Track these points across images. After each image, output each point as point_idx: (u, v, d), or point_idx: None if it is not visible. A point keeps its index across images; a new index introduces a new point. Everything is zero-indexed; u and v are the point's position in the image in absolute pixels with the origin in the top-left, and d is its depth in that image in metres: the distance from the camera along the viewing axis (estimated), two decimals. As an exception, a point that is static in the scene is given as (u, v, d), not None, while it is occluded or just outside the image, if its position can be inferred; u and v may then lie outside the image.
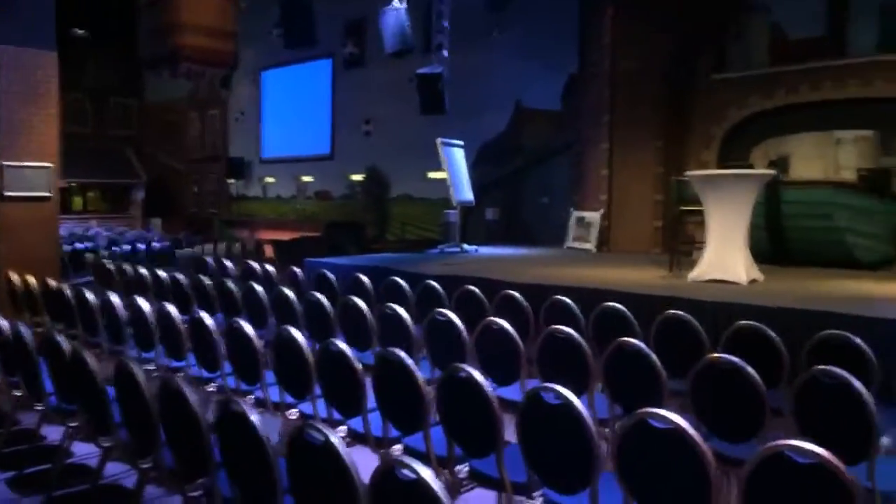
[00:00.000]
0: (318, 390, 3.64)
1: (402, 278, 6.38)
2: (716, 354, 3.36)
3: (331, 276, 6.99)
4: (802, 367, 3.68)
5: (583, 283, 6.82)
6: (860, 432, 2.86)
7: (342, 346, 3.46)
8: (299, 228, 17.89)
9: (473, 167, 13.14)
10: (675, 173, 10.97)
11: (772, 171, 7.00)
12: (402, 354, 3.20)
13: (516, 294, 5.44)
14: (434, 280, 6.27)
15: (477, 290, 5.78)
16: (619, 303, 4.91)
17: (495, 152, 13.83)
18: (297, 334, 3.71)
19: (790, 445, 2.07)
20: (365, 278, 6.62)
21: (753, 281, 6.89)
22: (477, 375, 2.85)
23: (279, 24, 12.06)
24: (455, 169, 11.12)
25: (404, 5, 10.54)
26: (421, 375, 3.14)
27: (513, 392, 4.03)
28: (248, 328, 4.00)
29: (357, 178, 18.30)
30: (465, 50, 12.02)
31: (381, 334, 4.84)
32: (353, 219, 17.44)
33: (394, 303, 4.96)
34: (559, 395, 2.54)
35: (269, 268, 7.27)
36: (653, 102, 10.88)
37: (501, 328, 4.08)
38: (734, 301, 5.63)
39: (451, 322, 4.33)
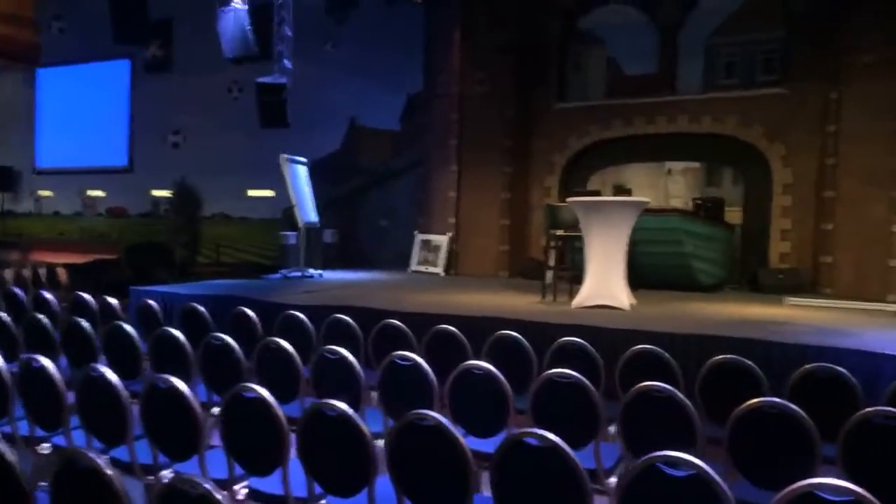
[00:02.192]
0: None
1: (251, 308, 5.51)
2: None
3: (156, 306, 5.92)
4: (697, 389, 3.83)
5: (468, 311, 6.46)
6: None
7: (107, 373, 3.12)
8: (88, 250, 15.61)
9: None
10: (520, 198, 11.17)
11: (647, 199, 7.19)
12: (175, 381, 2.97)
13: (399, 323, 4.94)
14: (297, 310, 5.48)
15: (349, 319, 5.16)
16: (513, 331, 4.61)
17: (330, 171, 13.14)
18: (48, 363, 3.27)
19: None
20: (202, 309, 5.65)
21: (632, 306, 6.99)
22: (263, 392, 2.84)
23: (60, 15, 10.46)
24: (299, 187, 10.29)
25: (245, 6, 9.59)
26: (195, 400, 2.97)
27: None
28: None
29: (161, 193, 16.50)
30: (295, 61, 11.24)
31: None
32: (156, 239, 15.64)
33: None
34: (334, 408, 2.65)
35: (111, 300, 6.01)
36: (500, 127, 10.93)
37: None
38: (631, 328, 5.59)
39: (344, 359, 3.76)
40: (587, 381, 3.31)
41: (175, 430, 3.04)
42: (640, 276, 8.86)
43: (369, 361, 4.79)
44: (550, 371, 3.44)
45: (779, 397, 3.06)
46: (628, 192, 10.01)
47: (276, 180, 11.71)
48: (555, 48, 11.15)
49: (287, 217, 13.15)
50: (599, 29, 11.04)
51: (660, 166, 10.50)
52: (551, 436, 2.33)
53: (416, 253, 11.43)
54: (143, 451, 3.16)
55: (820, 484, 1.95)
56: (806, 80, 9.39)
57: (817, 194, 9.24)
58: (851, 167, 8.69)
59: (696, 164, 10.09)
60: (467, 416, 3.56)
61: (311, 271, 10.10)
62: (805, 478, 1.98)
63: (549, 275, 7.84)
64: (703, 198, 9.78)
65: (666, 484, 2.12)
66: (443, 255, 11.02)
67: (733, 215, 10.38)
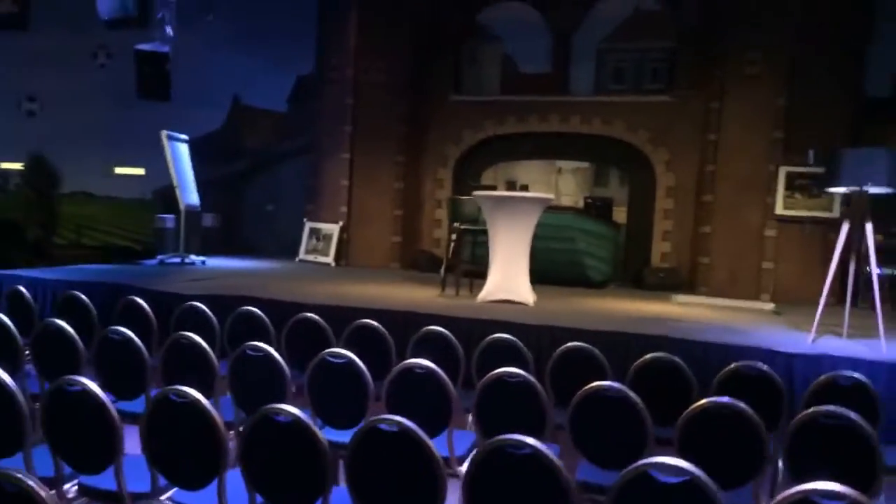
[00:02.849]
0: None
1: (141, 297, 5.03)
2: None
3: (27, 294, 5.28)
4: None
5: (381, 304, 6.25)
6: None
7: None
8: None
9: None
10: (413, 189, 11.03)
11: (551, 196, 7.26)
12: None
13: (313, 316, 4.68)
14: (194, 301, 5.06)
15: (258, 311, 4.82)
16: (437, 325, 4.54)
17: (210, 151, 12.38)
18: None
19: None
20: (84, 297, 5.10)
21: (535, 301, 7.04)
22: (94, 387, 2.66)
23: None
24: (181, 167, 9.57)
25: (125, -37, 8.74)
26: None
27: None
28: None
29: (11, 166, 14.88)
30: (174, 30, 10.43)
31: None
32: (4, 216, 14.08)
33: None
34: (184, 394, 2.54)
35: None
36: (395, 116, 10.71)
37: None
38: (554, 324, 5.62)
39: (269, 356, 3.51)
40: (440, 371, 3.29)
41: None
42: (534, 271, 9.00)
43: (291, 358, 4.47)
44: (407, 361, 3.42)
45: (620, 384, 3.19)
46: (525, 189, 10.13)
47: (148, 158, 10.92)
48: (452, 40, 11.08)
49: (161, 198, 12.27)
50: (497, 25, 11.08)
51: (551, 164, 10.72)
52: (405, 421, 2.35)
53: (304, 241, 10.99)
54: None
55: (655, 464, 2.03)
56: (690, 90, 9.90)
57: (697, 198, 9.77)
58: (729, 174, 9.24)
59: (586, 164, 10.40)
60: (328, 407, 3.50)
61: (193, 257, 9.44)
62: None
63: (446, 268, 7.76)
64: (594, 197, 10.11)
65: (512, 464, 2.24)
66: (333, 244, 10.67)
67: (619, 215, 10.80)
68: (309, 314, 4.60)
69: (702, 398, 3.02)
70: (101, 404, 2.60)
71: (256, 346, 3.51)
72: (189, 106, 12.23)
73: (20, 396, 2.66)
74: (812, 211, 8.96)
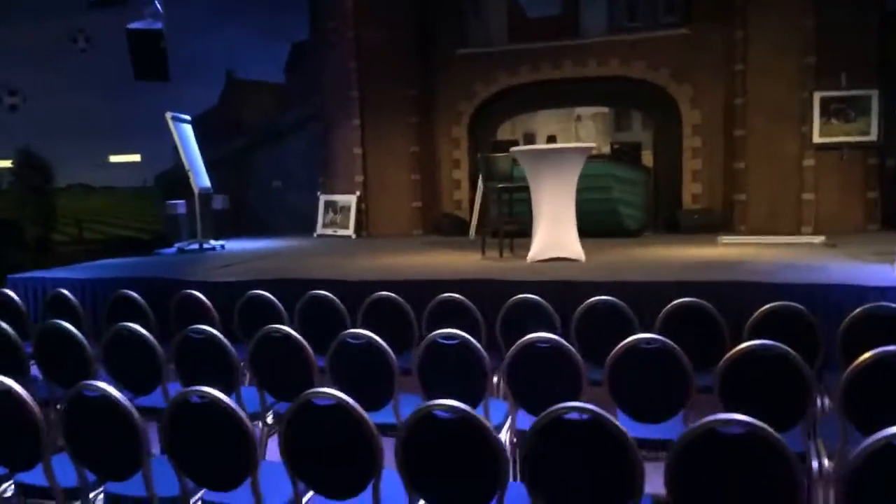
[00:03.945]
0: None
1: (198, 290, 4.70)
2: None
3: (71, 297, 4.93)
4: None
5: (425, 274, 5.96)
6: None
7: None
8: None
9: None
10: (429, 151, 10.62)
11: (592, 144, 6.90)
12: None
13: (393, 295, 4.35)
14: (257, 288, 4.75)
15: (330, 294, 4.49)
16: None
17: (208, 130, 11.85)
18: None
19: None
20: (136, 295, 4.77)
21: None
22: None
23: None
24: (190, 150, 9.11)
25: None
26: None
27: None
28: None
29: (1, 164, 14.28)
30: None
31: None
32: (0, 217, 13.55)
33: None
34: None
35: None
36: (402, 76, 10.23)
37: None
38: (610, 280, 5.32)
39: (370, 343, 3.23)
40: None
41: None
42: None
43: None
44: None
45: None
46: (553, 140, 9.76)
47: (142, 143, 10.44)
48: (453, -10, 10.55)
49: (164, 183, 11.81)
50: (500, -30, 10.53)
51: (569, 112, 10.32)
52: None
53: (320, 215, 10.60)
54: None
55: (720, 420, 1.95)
56: (708, 21, 9.47)
57: (727, 133, 9.42)
58: (760, 105, 8.88)
59: (605, 110, 10.01)
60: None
61: (213, 242, 9.05)
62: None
63: (488, 230, 7.42)
64: (621, 142, 9.72)
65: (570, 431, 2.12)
66: (352, 216, 10.28)
67: (646, 159, 10.46)
68: (385, 293, 4.27)
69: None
70: (126, 411, 2.43)
71: (357, 333, 3.19)
72: (182, 83, 11.67)
73: (33, 406, 2.51)
74: (850, 136, 8.65)
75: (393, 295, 4.26)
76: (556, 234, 6.65)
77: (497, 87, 10.43)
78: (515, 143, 8.52)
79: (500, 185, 7.14)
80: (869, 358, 2.65)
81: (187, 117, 9.45)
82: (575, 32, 10.24)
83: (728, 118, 9.38)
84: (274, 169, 11.55)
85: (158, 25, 8.68)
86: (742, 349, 2.84)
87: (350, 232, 10.24)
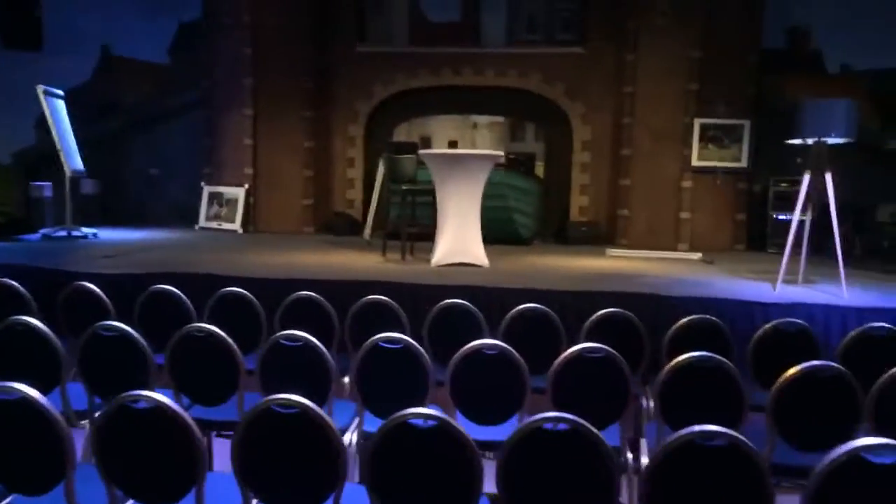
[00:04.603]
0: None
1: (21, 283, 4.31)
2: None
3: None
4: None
5: (332, 274, 5.79)
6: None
7: None
8: None
9: (44, 125, 10.15)
10: (322, 147, 10.36)
11: (501, 153, 6.98)
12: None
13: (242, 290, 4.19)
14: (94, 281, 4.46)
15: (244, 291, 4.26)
16: (386, 296, 4.19)
17: (79, 108, 10.89)
18: None
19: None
20: (18, 285, 4.31)
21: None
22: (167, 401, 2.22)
23: None
24: (62, 128, 8.35)
25: None
26: None
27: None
28: None
29: None
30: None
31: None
32: None
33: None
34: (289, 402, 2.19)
35: None
36: (299, 67, 9.93)
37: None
38: (520, 287, 5.41)
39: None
40: (317, 341, 3.04)
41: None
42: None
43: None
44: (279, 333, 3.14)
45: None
46: (454, 146, 9.80)
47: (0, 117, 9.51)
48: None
49: (25, 162, 10.78)
50: (402, -30, 10.46)
51: (465, 119, 10.41)
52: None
53: (204, 207, 10.05)
54: None
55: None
56: (602, 41, 9.90)
57: (614, 151, 9.87)
58: (646, 126, 9.38)
59: (501, 119, 10.21)
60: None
61: (84, 230, 8.33)
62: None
63: (389, 232, 7.34)
64: (516, 152, 9.93)
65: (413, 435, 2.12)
66: (239, 209, 9.83)
67: (537, 169, 10.75)
68: (306, 293, 4.09)
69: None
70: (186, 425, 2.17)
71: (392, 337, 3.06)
72: (49, 55, 10.67)
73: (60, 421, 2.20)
74: (724, 161, 9.32)
75: (314, 295, 4.09)
76: (461, 240, 6.67)
77: (396, 87, 10.35)
78: (415, 145, 8.48)
79: (405, 188, 7.07)
80: (683, 361, 2.89)
81: (60, 92, 8.67)
82: (475, 40, 10.36)
83: (616, 137, 9.84)
84: (151, 155, 10.81)
85: (33, -12, 7.92)
86: (571, 353, 2.97)
87: (236, 226, 9.79)
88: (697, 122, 9.22)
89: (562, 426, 2.08)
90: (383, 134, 10.53)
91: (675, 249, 9.04)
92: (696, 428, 1.99)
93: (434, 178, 6.77)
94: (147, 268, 5.69)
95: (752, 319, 5.06)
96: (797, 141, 5.55)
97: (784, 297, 5.34)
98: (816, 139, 5.48)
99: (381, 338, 3.03)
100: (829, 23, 9.79)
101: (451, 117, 10.58)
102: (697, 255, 8.22)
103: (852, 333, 3.76)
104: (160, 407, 2.15)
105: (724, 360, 2.93)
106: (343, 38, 10.32)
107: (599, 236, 9.66)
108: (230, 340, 3.08)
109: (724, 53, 9.12)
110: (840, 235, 5.62)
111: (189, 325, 3.14)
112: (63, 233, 8.22)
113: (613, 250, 8.44)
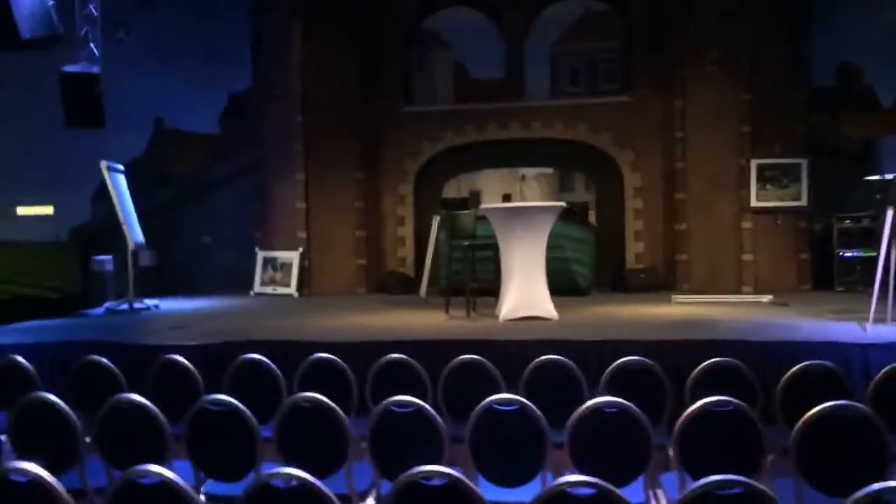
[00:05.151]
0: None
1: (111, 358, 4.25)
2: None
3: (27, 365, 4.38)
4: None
5: (412, 335, 5.70)
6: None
7: None
8: None
9: (102, 197, 10.41)
10: (373, 207, 10.40)
11: (562, 203, 6.92)
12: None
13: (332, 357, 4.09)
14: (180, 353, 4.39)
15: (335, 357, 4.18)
16: (474, 353, 4.09)
17: (134, 181, 11.13)
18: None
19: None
20: (107, 362, 4.30)
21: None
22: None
23: None
24: (125, 202, 8.51)
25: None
26: None
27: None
28: None
29: None
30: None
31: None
32: None
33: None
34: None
35: None
36: (348, 132, 10.06)
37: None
38: (614, 338, 5.27)
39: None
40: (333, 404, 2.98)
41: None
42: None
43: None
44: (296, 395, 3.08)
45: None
46: (507, 199, 9.79)
47: (57, 193, 9.78)
48: (399, 48, 10.57)
49: (81, 238, 10.98)
50: (445, 31, 10.68)
51: (513, 172, 10.43)
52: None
53: (258, 273, 10.10)
54: None
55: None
56: (648, 89, 9.91)
57: (667, 196, 9.76)
58: (700, 170, 9.29)
59: (549, 170, 10.22)
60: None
61: (147, 302, 8.38)
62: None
63: (452, 289, 7.26)
64: (570, 202, 9.87)
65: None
66: (294, 273, 9.84)
67: (590, 218, 10.67)
68: (396, 355, 4.00)
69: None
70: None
71: (403, 400, 2.92)
72: (105, 131, 10.95)
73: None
74: (783, 201, 9.15)
75: (404, 357, 4.00)
76: (527, 293, 6.57)
77: (443, 145, 10.43)
78: (467, 201, 8.50)
79: (467, 243, 7.01)
80: (697, 409, 2.77)
81: (121, 167, 8.87)
82: (519, 94, 10.45)
83: (668, 182, 9.74)
84: (203, 223, 10.94)
85: (95, 69, 8.17)
86: (587, 408, 2.84)
87: (292, 290, 9.79)
88: (754, 163, 9.09)
89: (586, 490, 2.02)
90: (432, 191, 10.58)
91: (739, 292, 8.81)
92: (713, 478, 1.97)
93: (497, 233, 6.72)
94: (223, 336, 5.65)
95: (848, 362, 4.85)
96: (882, 176, 5.40)
97: (880, 337, 5.12)
98: (898, 174, 5.33)
99: (392, 402, 2.92)
100: (879, 59, 9.62)
101: (499, 171, 10.60)
102: (768, 298, 7.98)
103: (881, 373, 3.57)
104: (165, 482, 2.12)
105: (740, 403, 2.82)
106: (389, 99, 10.48)
107: (658, 283, 9.48)
108: (336, 407, 2.97)
109: (775, 94, 9.05)
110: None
111: (296, 397, 3.03)
112: (125, 306, 8.28)
113: (679, 296, 8.24)
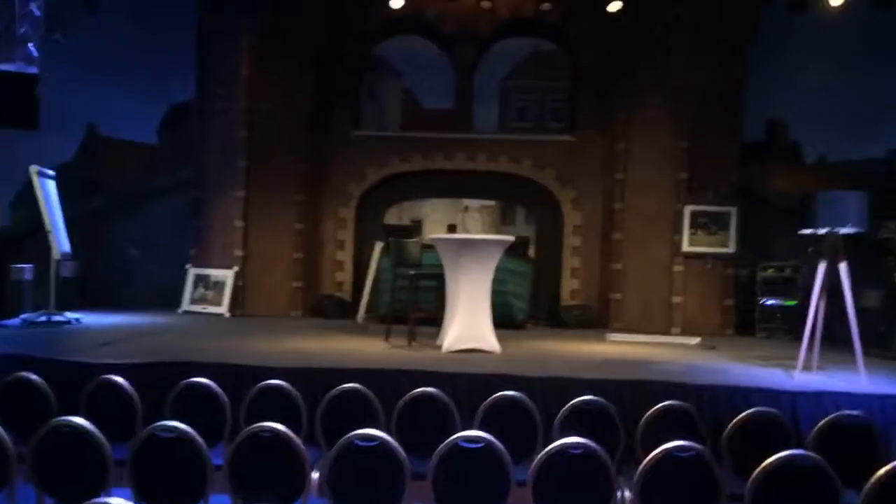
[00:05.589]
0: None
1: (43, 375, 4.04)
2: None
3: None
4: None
5: (366, 363, 5.61)
6: None
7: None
8: None
9: (23, 203, 9.91)
10: (312, 230, 10.26)
11: (511, 238, 6.99)
12: None
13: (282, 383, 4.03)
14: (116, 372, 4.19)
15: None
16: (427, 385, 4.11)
17: (60, 187, 10.63)
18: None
19: None
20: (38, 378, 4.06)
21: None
22: None
23: None
24: (53, 209, 8.11)
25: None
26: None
27: None
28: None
29: None
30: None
31: None
32: None
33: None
34: None
35: None
36: (293, 151, 9.92)
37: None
38: (560, 375, 5.33)
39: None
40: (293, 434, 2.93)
41: None
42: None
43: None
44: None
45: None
46: (452, 230, 9.83)
47: None
48: (351, 72, 10.54)
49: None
50: (396, 59, 10.73)
51: (455, 202, 10.50)
52: None
53: (188, 290, 9.76)
54: None
55: None
56: (592, 130, 10.19)
57: (605, 236, 10.01)
58: (637, 212, 9.57)
59: (492, 203, 10.32)
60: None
61: (68, 315, 7.97)
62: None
63: (394, 317, 7.21)
64: (514, 236, 9.96)
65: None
66: (227, 292, 9.56)
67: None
68: (351, 385, 3.92)
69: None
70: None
71: (367, 434, 2.86)
72: (29, 134, 10.45)
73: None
74: (712, 247, 9.51)
75: (359, 386, 3.92)
76: (471, 325, 6.60)
77: (388, 171, 10.42)
78: (410, 229, 8.49)
79: (413, 272, 6.99)
80: (660, 453, 2.83)
81: (52, 173, 8.47)
82: (467, 126, 10.56)
83: (607, 221, 10.00)
84: (133, 236, 10.52)
85: (33, 70, 7.81)
86: (552, 449, 2.87)
87: (223, 309, 9.50)
88: (688, 209, 9.44)
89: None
90: (374, 217, 10.53)
91: (668, 333, 9.08)
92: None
93: (444, 262, 6.74)
94: (158, 355, 5.42)
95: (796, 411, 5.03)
96: (814, 230, 5.68)
97: (808, 385, 5.36)
98: (829, 229, 5.63)
99: (356, 435, 2.86)
100: (806, 115, 10.21)
101: (442, 201, 10.65)
102: (696, 340, 8.25)
103: (823, 422, 3.77)
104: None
105: (701, 447, 2.88)
106: (338, 122, 10.40)
107: (591, 319, 9.67)
108: (295, 437, 2.89)
109: (711, 144, 9.44)
110: (824, 321, 5.75)
111: (255, 426, 2.93)
112: (44, 318, 7.84)
113: (613, 335, 8.42)
